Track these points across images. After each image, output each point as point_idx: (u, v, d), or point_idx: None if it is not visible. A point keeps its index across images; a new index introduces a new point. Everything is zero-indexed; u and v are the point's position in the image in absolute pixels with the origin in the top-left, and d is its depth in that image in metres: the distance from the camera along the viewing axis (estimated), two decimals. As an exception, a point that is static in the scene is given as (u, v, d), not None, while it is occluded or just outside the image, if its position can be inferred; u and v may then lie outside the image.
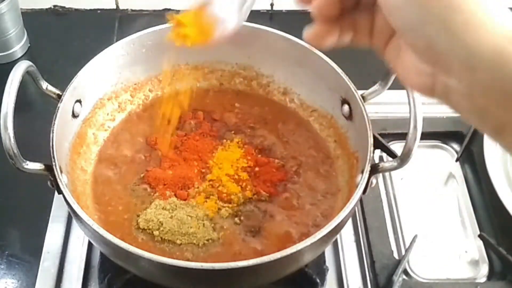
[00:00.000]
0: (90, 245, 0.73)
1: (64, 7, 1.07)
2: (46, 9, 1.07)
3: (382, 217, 0.78)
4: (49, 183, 0.61)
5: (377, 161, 0.81)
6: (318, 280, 0.69)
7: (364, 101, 0.67)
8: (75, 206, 0.57)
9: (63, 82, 0.67)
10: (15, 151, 0.56)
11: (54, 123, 0.63)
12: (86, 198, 0.69)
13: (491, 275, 0.74)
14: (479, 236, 0.76)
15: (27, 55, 0.98)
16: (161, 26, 0.74)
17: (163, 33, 0.74)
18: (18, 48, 0.97)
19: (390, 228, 0.78)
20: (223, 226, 0.67)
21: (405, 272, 0.73)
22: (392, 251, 0.74)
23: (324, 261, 0.72)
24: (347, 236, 0.76)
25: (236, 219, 0.68)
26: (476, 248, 0.76)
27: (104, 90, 0.75)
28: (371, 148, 0.63)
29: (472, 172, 0.84)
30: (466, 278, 0.74)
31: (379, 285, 0.71)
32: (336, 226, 0.57)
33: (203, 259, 0.64)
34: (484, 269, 0.74)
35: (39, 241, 0.73)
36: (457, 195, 0.82)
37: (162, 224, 0.66)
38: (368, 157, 0.62)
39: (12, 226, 0.79)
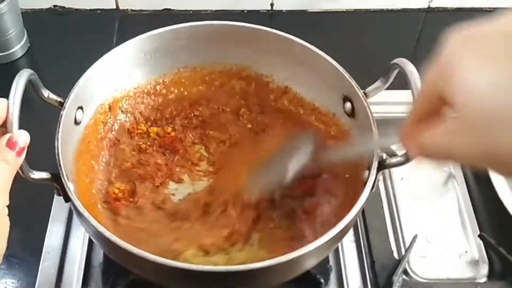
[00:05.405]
0: (90, 245, 0.73)
1: (64, 7, 1.07)
2: (46, 9, 1.07)
3: (382, 217, 0.78)
4: (55, 191, 0.59)
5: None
6: (322, 280, 0.69)
7: (367, 98, 0.66)
8: (86, 214, 0.56)
9: (63, 82, 0.66)
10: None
11: (58, 131, 0.61)
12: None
13: (491, 275, 0.74)
14: (479, 236, 0.76)
15: (27, 55, 0.98)
16: (160, 30, 0.73)
17: (162, 36, 0.74)
18: (18, 48, 0.96)
19: (390, 228, 0.78)
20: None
21: (405, 272, 0.73)
22: (392, 251, 0.74)
23: (328, 261, 0.72)
24: (347, 236, 0.75)
25: None
26: (476, 248, 0.76)
27: (105, 96, 0.74)
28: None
29: (472, 172, 0.84)
30: (466, 278, 0.74)
31: (379, 285, 0.71)
32: (345, 227, 0.56)
33: None
34: (484, 269, 0.74)
35: (39, 241, 0.73)
36: (457, 195, 0.82)
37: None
38: (375, 153, 0.61)
39: (12, 226, 0.78)
